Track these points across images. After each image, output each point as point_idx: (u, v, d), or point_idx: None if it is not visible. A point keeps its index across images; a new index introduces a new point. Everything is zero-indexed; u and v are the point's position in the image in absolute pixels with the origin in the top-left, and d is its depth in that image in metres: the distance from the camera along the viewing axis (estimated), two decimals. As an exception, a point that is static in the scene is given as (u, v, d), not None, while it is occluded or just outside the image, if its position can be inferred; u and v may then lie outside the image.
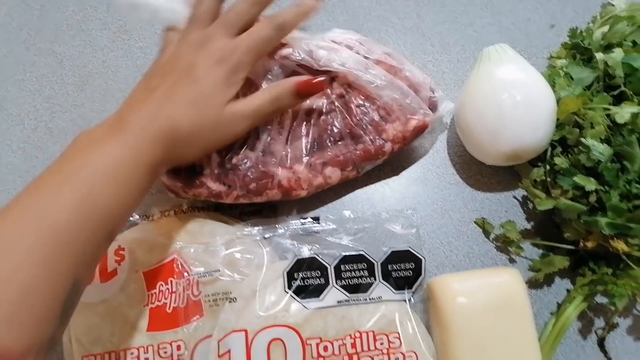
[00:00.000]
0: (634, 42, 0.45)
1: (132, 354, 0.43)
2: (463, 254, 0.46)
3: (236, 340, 0.42)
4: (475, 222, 0.46)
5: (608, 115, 0.40)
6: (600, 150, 0.39)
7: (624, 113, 0.39)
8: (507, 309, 0.39)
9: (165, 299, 0.44)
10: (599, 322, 0.43)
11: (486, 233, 0.46)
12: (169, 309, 0.44)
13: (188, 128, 0.38)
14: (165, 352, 0.43)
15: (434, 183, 0.48)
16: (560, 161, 0.41)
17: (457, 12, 0.52)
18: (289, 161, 0.45)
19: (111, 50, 0.54)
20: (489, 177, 0.48)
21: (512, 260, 0.45)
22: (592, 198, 0.39)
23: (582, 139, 0.40)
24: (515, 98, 0.41)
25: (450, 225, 0.47)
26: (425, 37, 0.52)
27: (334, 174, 0.46)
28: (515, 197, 0.47)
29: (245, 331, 0.42)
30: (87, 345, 0.44)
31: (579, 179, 0.39)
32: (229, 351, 0.42)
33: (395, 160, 0.49)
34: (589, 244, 0.40)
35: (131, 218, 0.47)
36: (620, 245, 0.39)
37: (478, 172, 0.48)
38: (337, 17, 0.53)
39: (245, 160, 0.45)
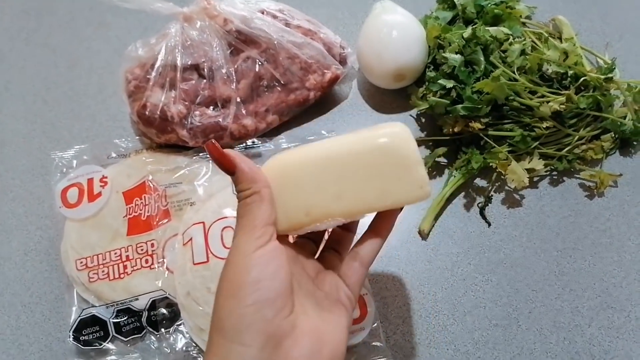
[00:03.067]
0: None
1: (115, 253, 0.54)
2: (374, 160, 0.59)
3: (196, 230, 0.53)
4: (381, 136, 0.59)
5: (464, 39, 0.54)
6: (455, 59, 0.53)
7: (468, 31, 0.53)
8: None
9: (140, 210, 0.56)
10: (480, 199, 0.55)
11: (390, 143, 0.59)
12: (144, 217, 0.56)
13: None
14: (141, 249, 0.54)
15: (350, 113, 0.62)
16: (431, 73, 0.55)
17: (360, -11, 0.68)
18: (238, 115, 0.58)
19: (93, 39, 0.69)
20: (390, 102, 0.61)
21: (411, 161, 0.58)
22: (453, 94, 0.52)
23: (443, 54, 0.54)
24: (393, 32, 0.56)
25: (362, 140, 0.60)
26: (336, 8, 0.67)
27: (273, 119, 0.60)
28: (411, 115, 0.60)
29: (203, 223, 0.54)
30: (80, 250, 0.55)
31: (442, 81, 0.53)
32: (190, 239, 0.53)
33: (324, 103, 0.62)
34: (456, 129, 0.53)
35: (113, 155, 0.60)
36: (476, 125, 0.52)
37: (382, 100, 0.62)
38: None
39: (202, 115, 0.58)
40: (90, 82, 0.66)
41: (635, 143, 0.56)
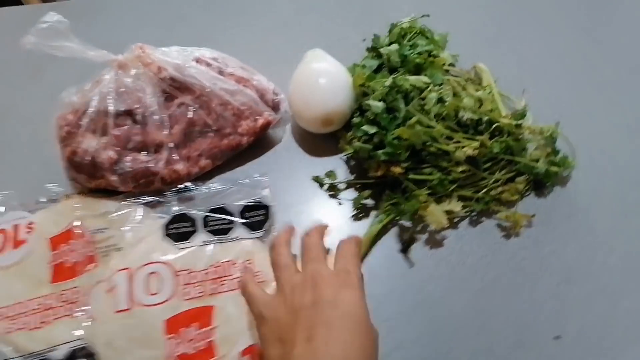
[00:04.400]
0: (409, 39, 0.64)
1: (37, 302, 0.53)
2: (304, 201, 0.60)
3: (121, 277, 0.53)
4: (312, 178, 0.61)
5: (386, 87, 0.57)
6: (377, 106, 0.55)
7: (389, 80, 0.56)
8: None
9: (66, 256, 0.55)
10: (404, 240, 0.57)
11: (320, 185, 0.61)
12: (69, 263, 0.55)
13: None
14: (64, 297, 0.53)
15: (283, 157, 0.63)
16: (356, 119, 0.57)
17: (295, 36, 0.71)
18: (170, 160, 0.59)
19: (28, 86, 0.69)
20: (321, 146, 0.63)
21: (340, 204, 0.60)
22: (376, 139, 0.55)
23: (367, 101, 0.56)
24: (320, 80, 0.58)
25: (294, 183, 0.61)
26: (271, 55, 0.70)
27: (206, 164, 0.61)
28: (341, 158, 0.63)
29: (129, 269, 0.53)
30: (0, 300, 0.54)
31: (366, 127, 0.55)
32: (115, 286, 0.53)
33: (257, 147, 0.63)
34: (379, 173, 0.55)
35: (42, 200, 0.59)
36: (396, 169, 0.54)
37: (314, 144, 0.64)
38: (207, 41, 0.69)
39: (134, 160, 0.58)
40: (24, 128, 0.66)
41: (548, 184, 0.59)
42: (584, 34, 0.71)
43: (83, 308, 0.52)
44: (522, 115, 0.57)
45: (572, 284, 0.54)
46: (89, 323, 0.52)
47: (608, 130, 0.63)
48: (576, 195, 0.59)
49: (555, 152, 0.59)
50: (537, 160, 0.58)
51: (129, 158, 0.58)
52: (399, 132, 0.52)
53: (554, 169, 0.57)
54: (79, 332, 0.51)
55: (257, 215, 0.58)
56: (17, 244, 0.56)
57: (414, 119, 0.52)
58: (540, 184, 0.59)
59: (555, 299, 0.53)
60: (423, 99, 0.56)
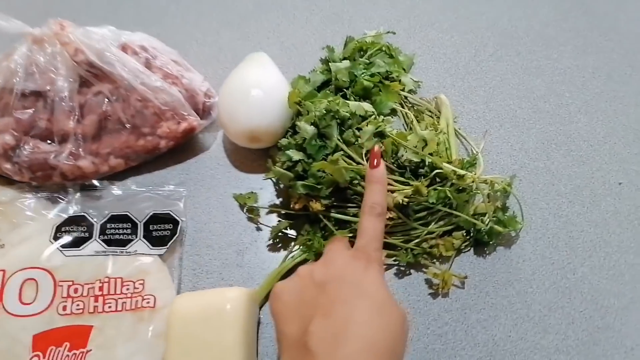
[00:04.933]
0: (370, 56, 0.57)
1: None
2: (220, 221, 0.54)
3: (-7, 278, 0.48)
4: (233, 196, 0.55)
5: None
6: (307, 130, 0.49)
7: (325, 104, 0.49)
8: (218, 320, 0.44)
9: (-56, 245, 0.50)
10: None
11: (241, 206, 0.55)
12: (-55, 254, 0.49)
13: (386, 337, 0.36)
14: None
15: (207, 166, 0.57)
16: (284, 141, 0.51)
17: (250, 33, 0.64)
18: (75, 154, 0.53)
19: None
20: (252, 161, 0.57)
21: (259, 229, 0.54)
22: (299, 167, 0.48)
23: (297, 123, 0.50)
24: (252, 91, 0.52)
25: (213, 198, 0.55)
26: (220, 49, 0.63)
27: (118, 163, 0.55)
28: (271, 179, 0.56)
29: (4, 271, 0.48)
30: None
31: (291, 152, 0.49)
32: (-15, 288, 0.47)
33: (183, 150, 0.57)
34: (297, 206, 0.49)
35: None
36: (316, 205, 0.48)
37: (244, 157, 0.57)
38: (149, 26, 0.63)
39: (34, 149, 0.52)
40: None
41: (490, 246, 0.52)
42: (566, 83, 0.64)
43: (-53, 307, 0.47)
44: (470, 163, 0.50)
45: (493, 361, 0.48)
46: (-50, 325, 0.47)
47: (569, 194, 0.56)
48: (519, 262, 0.52)
49: (505, 208, 0.53)
50: (482, 215, 0.52)
51: (28, 146, 0.52)
52: (320, 165, 0.46)
53: (499, 228, 0.51)
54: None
55: (163, 230, 0.52)
56: None
57: (337, 155, 0.46)
58: (481, 242, 0.52)
59: (470, 377, 0.47)
60: (360, 129, 0.49)
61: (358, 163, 0.47)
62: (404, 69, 0.60)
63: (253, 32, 0.64)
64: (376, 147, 0.45)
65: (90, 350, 0.46)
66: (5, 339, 0.45)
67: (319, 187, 0.47)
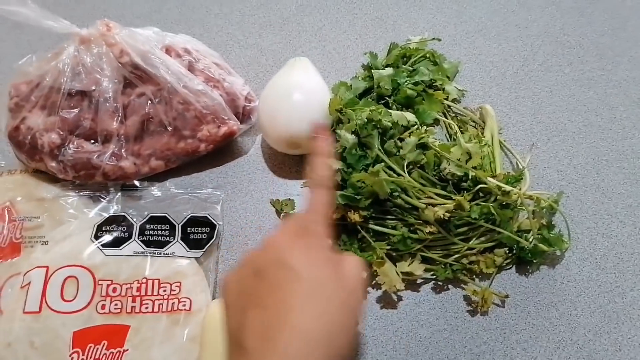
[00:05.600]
0: (413, 63, 0.56)
1: (-51, 282, 0.50)
2: (256, 226, 0.54)
3: (37, 274, 0.49)
4: (270, 202, 0.55)
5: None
6: (347, 139, 0.48)
7: (367, 112, 0.48)
8: None
9: (-9, 238, 0.52)
10: (356, 291, 0.50)
11: (278, 212, 0.54)
12: (-8, 247, 0.51)
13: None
14: (-22, 284, 0.50)
15: (245, 171, 0.57)
16: (324, 148, 0.50)
17: (291, 36, 0.64)
18: (118, 155, 0.53)
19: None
20: (290, 167, 0.57)
21: (295, 235, 0.53)
22: (338, 177, 0.48)
23: (337, 131, 0.49)
24: (294, 95, 0.51)
25: (250, 202, 0.55)
26: (262, 51, 0.63)
27: (158, 165, 0.56)
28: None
29: (47, 267, 0.49)
30: None
31: (330, 160, 0.48)
32: (29, 283, 0.48)
33: (222, 153, 0.57)
34: (335, 215, 0.48)
35: (-19, 172, 0.55)
36: (354, 216, 0.47)
37: (282, 163, 0.57)
38: (192, 26, 0.63)
39: (78, 148, 0.53)
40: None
41: (534, 264, 0.50)
42: (621, 96, 0.60)
43: (-6, 299, 0.49)
44: (516, 178, 0.48)
45: (533, 386, 0.46)
46: (-2, 316, 0.48)
47: (619, 214, 0.53)
48: (564, 282, 0.50)
49: (550, 226, 0.50)
50: (526, 232, 0.50)
51: (72, 145, 0.53)
52: (360, 176, 0.45)
53: (543, 247, 0.49)
54: (-17, 325, 0.48)
55: (200, 233, 0.52)
56: (-57, 215, 0.52)
57: (378, 166, 0.45)
58: (524, 260, 0.50)
59: (508, 401, 0.45)
60: (402, 139, 0.48)
61: (399, 175, 0.46)
62: (448, 77, 0.58)
63: (295, 35, 0.64)
64: (317, 127, 0.45)
65: (127, 350, 0.47)
66: (48, 333, 0.47)
67: (358, 197, 0.46)
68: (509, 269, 0.51)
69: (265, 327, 0.31)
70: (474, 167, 0.48)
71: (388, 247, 0.48)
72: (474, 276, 0.50)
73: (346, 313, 0.33)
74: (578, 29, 0.65)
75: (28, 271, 0.49)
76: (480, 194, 0.48)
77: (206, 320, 0.47)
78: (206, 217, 0.53)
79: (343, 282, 0.34)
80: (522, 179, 0.49)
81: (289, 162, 0.57)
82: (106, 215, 0.53)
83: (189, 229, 0.52)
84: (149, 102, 0.53)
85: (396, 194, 0.46)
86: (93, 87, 0.53)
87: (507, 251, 0.50)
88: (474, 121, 0.56)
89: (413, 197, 0.46)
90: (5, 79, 0.56)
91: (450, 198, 0.47)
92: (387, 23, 0.65)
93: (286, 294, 0.32)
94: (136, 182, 0.55)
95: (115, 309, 0.48)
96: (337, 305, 0.32)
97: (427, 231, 0.46)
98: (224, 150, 0.57)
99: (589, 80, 0.61)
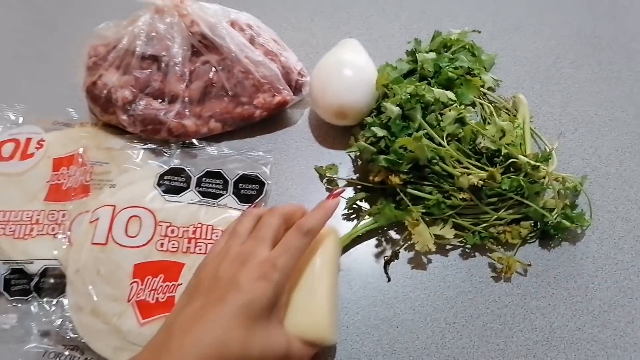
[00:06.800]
0: (454, 52, 0.61)
1: (27, 214, 0.56)
2: (301, 189, 0.59)
3: (105, 212, 0.54)
4: (314, 168, 0.60)
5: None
6: (393, 110, 0.53)
7: (411, 87, 0.53)
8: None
9: (64, 179, 0.57)
10: (388, 253, 0.55)
11: (321, 177, 0.59)
12: (65, 187, 0.57)
13: (237, 348, 0.37)
14: (52, 217, 0.55)
15: (293, 139, 0.62)
16: (369, 119, 0.55)
17: (341, 23, 0.69)
18: (181, 114, 0.59)
19: (78, 12, 0.71)
20: (334, 138, 0.62)
21: (335, 199, 0.58)
22: (382, 143, 0.53)
23: (383, 103, 0.54)
24: (344, 70, 0.56)
25: (296, 167, 0.60)
26: (312, 35, 0.68)
27: (216, 127, 0.61)
28: (349, 155, 0.61)
29: (114, 206, 0.55)
30: (-6, 201, 0.56)
31: (375, 128, 0.53)
32: (97, 219, 0.54)
33: (272, 122, 0.63)
34: (377, 178, 0.53)
35: (59, 121, 0.61)
36: (395, 179, 0.52)
37: (327, 134, 0.62)
38: (251, 8, 0.68)
39: (147, 105, 0.59)
40: (63, 48, 0.68)
41: (556, 237, 0.54)
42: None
43: (66, 232, 0.54)
44: (545, 157, 0.53)
45: (551, 347, 0.50)
46: (66, 247, 0.54)
47: (639, 201, 0.57)
48: (583, 258, 0.54)
49: (573, 206, 0.55)
50: (550, 210, 0.54)
51: (142, 102, 0.59)
52: (404, 141, 0.50)
53: (567, 223, 0.53)
54: (56, 253, 0.53)
55: (251, 189, 0.57)
56: (25, 156, 0.58)
57: (420, 132, 0.49)
58: (547, 235, 0.54)
59: (528, 358, 0.49)
60: (443, 114, 0.53)
61: (438, 144, 0.51)
62: (484, 68, 0.63)
63: (344, 22, 0.69)
64: (340, 189, 0.49)
65: (181, 284, 0.52)
66: (112, 264, 0.52)
67: (399, 161, 0.51)
68: (532, 242, 0.55)
69: (193, 321, 0.37)
70: (507, 144, 0.52)
71: (423, 211, 0.52)
72: (500, 246, 0.54)
73: (267, 351, 0.39)
74: (609, 33, 0.69)
75: (96, 209, 0.55)
76: (512, 169, 0.53)
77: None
78: (257, 175, 0.58)
79: (277, 328, 0.41)
80: (550, 159, 0.54)
81: (333, 134, 0.62)
82: (167, 167, 0.58)
83: (240, 185, 0.58)
84: (213, 69, 0.59)
85: (434, 161, 0.51)
86: (163, 53, 0.59)
87: (533, 224, 0.54)
88: (507, 109, 0.61)
89: (450, 165, 0.51)
90: (83, 42, 0.62)
91: (484, 169, 0.51)
92: (430, 16, 0.70)
93: (227, 312, 0.37)
94: (194, 141, 0.61)
95: (172, 247, 0.53)
96: (263, 342, 0.39)
97: (461, 197, 0.51)
98: (274, 119, 0.63)
99: (617, 79, 0.65)
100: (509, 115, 0.60)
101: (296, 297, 0.45)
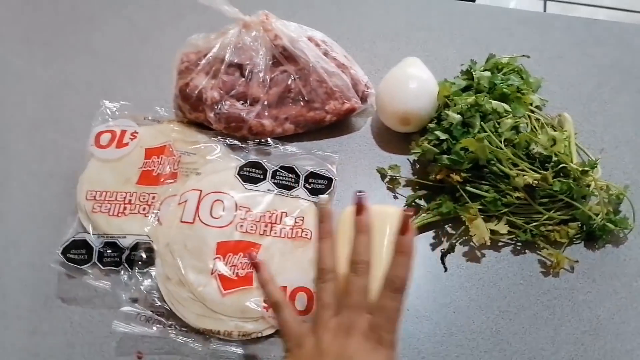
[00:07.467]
0: (504, 73, 0.68)
1: (121, 195, 0.62)
2: (363, 186, 0.65)
3: (193, 195, 0.61)
4: (377, 169, 0.66)
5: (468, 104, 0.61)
6: (454, 117, 0.60)
7: (472, 98, 0.60)
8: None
9: (155, 166, 0.64)
10: (444, 246, 0.60)
11: (382, 177, 0.66)
12: (155, 173, 0.64)
13: None
14: (143, 198, 0.62)
15: (357, 143, 0.69)
16: (432, 125, 0.62)
17: (400, 46, 0.77)
18: (261, 115, 0.67)
19: (168, 24, 0.81)
20: (395, 143, 0.68)
21: (395, 197, 0.64)
22: (444, 145, 0.59)
23: (445, 111, 0.61)
24: (410, 82, 0.64)
25: (360, 167, 0.67)
26: (375, 55, 0.76)
27: (289, 128, 0.68)
28: (408, 160, 0.67)
29: (200, 191, 0.61)
30: (93, 184, 0.63)
31: (438, 132, 0.60)
32: (185, 201, 0.61)
33: (338, 127, 0.70)
34: (439, 176, 0.59)
35: (149, 118, 0.69)
36: (455, 177, 0.58)
37: (388, 141, 0.69)
38: (323, 27, 0.77)
39: (231, 106, 0.67)
40: (153, 56, 0.77)
41: (601, 239, 0.59)
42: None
43: (155, 212, 0.61)
44: (592, 165, 0.59)
45: (598, 337, 0.54)
46: (156, 225, 0.60)
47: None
48: (626, 259, 0.59)
49: (617, 212, 0.60)
50: (596, 214, 0.59)
51: (227, 103, 0.66)
52: (467, 142, 0.56)
53: (611, 226, 0.58)
54: (147, 230, 0.60)
55: (320, 184, 0.64)
56: (121, 145, 0.66)
57: (483, 134, 0.56)
58: (592, 237, 0.59)
59: (577, 344, 0.53)
60: (499, 124, 0.59)
61: (497, 147, 0.57)
62: (532, 89, 0.70)
63: (403, 45, 0.77)
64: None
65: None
66: (198, 240, 0.58)
67: (461, 161, 0.57)
68: (578, 243, 0.60)
69: None
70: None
71: (479, 207, 0.58)
72: (548, 244, 0.59)
73: None
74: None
75: (184, 192, 0.61)
76: (561, 174, 0.58)
77: (340, 220, 0.54)
78: (325, 171, 0.65)
79: None
80: (595, 167, 0.59)
81: (392, 140, 0.69)
82: (245, 160, 0.65)
83: (310, 180, 0.64)
84: (291, 77, 0.67)
85: (492, 162, 0.57)
86: (247, 62, 0.67)
87: (579, 226, 0.59)
88: (552, 125, 0.67)
89: (506, 166, 0.57)
90: (171, 51, 0.71)
91: (537, 172, 0.57)
92: (481, 44, 0.77)
93: None
94: (269, 140, 0.68)
95: (250, 230, 0.59)
96: None
97: (515, 196, 0.57)
98: (340, 125, 0.70)
99: (654, 105, 0.72)
100: (553, 130, 0.66)
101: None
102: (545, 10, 1.84)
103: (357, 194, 0.46)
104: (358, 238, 0.45)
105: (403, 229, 0.43)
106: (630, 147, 0.67)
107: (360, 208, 0.46)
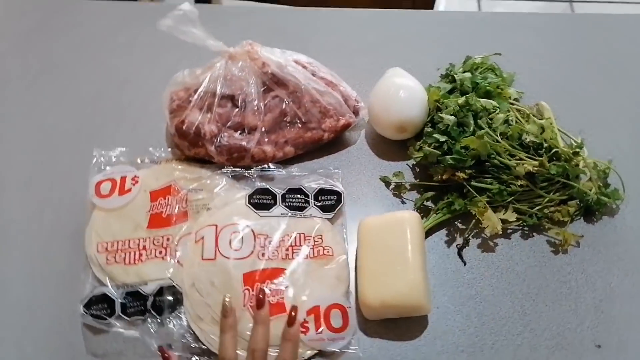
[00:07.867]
0: (480, 72, 0.72)
1: (134, 242, 0.61)
2: (370, 196, 0.67)
3: (209, 231, 0.61)
4: (380, 178, 0.68)
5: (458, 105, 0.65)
6: (449, 119, 0.63)
7: (462, 99, 0.64)
8: (397, 227, 0.59)
9: (163, 208, 0.64)
10: (458, 242, 0.63)
11: (386, 185, 0.68)
12: (165, 214, 0.63)
13: None
14: (157, 242, 0.61)
15: (355, 156, 0.71)
16: (428, 129, 0.65)
17: (378, 58, 0.80)
18: (261, 142, 0.68)
19: (147, 64, 0.80)
20: (392, 151, 0.71)
21: (403, 202, 0.66)
22: (445, 147, 0.62)
23: (440, 114, 0.64)
24: (400, 92, 0.67)
25: (363, 179, 0.69)
26: (356, 69, 0.79)
27: (289, 151, 0.70)
28: (407, 165, 0.70)
29: (216, 225, 0.61)
30: (102, 235, 0.62)
31: (437, 135, 0.63)
32: (202, 238, 0.60)
33: (334, 144, 0.72)
34: (444, 177, 0.62)
35: (146, 160, 0.68)
36: (461, 175, 0.61)
37: (384, 149, 0.71)
38: (313, 53, 0.79)
39: (230, 137, 0.67)
40: (137, 98, 0.77)
41: (597, 213, 0.64)
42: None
43: (173, 253, 0.60)
44: (579, 145, 0.63)
45: (614, 302, 0.58)
46: (177, 267, 0.59)
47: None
48: (622, 227, 0.64)
49: (606, 185, 0.65)
50: (589, 190, 0.64)
51: (226, 134, 0.67)
52: (468, 141, 0.59)
53: (605, 199, 0.63)
54: (168, 273, 0.59)
55: (330, 200, 0.65)
56: (123, 192, 0.65)
57: (482, 132, 0.59)
58: (589, 212, 0.64)
59: (597, 312, 0.57)
60: (491, 119, 0.63)
61: (496, 141, 0.61)
62: (506, 84, 0.74)
63: (380, 57, 0.80)
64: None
65: (287, 286, 0.58)
66: (224, 275, 0.58)
67: (464, 159, 0.60)
68: (578, 219, 0.64)
69: None
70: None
71: (487, 200, 0.61)
72: (553, 224, 0.63)
73: None
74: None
75: (199, 229, 0.61)
76: (554, 158, 0.63)
77: (362, 229, 0.61)
78: (333, 187, 0.66)
79: None
80: (582, 147, 0.64)
81: (389, 149, 0.71)
82: (253, 188, 0.66)
83: (320, 197, 0.65)
84: (285, 101, 0.68)
85: (492, 156, 0.60)
86: (239, 92, 0.68)
87: (578, 203, 0.63)
88: (533, 114, 0.72)
89: (505, 158, 0.61)
90: (155, 88, 0.71)
91: (533, 159, 0.61)
92: (453, 48, 0.82)
93: None
94: (271, 165, 0.69)
95: (272, 256, 0.60)
96: None
97: (519, 184, 0.60)
98: (336, 142, 0.72)
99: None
100: (537, 119, 0.71)
101: (395, 270, 0.56)
102: (479, 9, 1.95)
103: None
104: (257, 329, 0.53)
105: (259, 304, 0.54)
106: (605, 127, 0.73)
107: (260, 303, 0.54)
